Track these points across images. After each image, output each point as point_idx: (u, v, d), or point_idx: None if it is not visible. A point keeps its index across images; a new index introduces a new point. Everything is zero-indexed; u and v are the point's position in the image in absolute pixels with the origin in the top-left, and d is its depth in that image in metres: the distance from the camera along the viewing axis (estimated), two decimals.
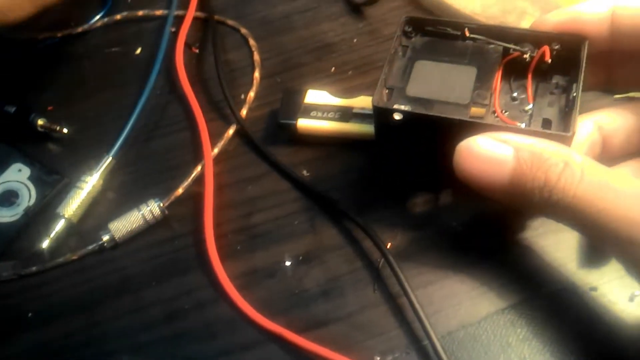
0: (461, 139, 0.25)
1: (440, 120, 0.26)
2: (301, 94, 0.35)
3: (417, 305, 0.27)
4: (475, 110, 0.27)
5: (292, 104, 0.35)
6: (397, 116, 0.26)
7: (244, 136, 0.35)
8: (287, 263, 0.30)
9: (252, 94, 0.37)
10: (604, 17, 0.26)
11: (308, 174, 0.33)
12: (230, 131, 0.35)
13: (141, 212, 0.31)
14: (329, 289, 0.29)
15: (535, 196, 0.23)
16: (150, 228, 0.32)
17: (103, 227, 0.31)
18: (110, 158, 0.34)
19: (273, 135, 0.35)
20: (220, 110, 0.37)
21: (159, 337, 0.28)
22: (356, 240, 0.31)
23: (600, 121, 0.28)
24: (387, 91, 0.28)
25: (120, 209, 0.32)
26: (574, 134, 0.24)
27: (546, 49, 0.27)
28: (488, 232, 0.30)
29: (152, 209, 0.31)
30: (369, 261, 0.30)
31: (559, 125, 0.26)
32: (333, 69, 0.38)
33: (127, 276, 0.31)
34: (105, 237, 0.31)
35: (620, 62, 0.28)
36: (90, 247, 0.31)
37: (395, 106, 0.27)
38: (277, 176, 0.34)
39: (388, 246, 0.29)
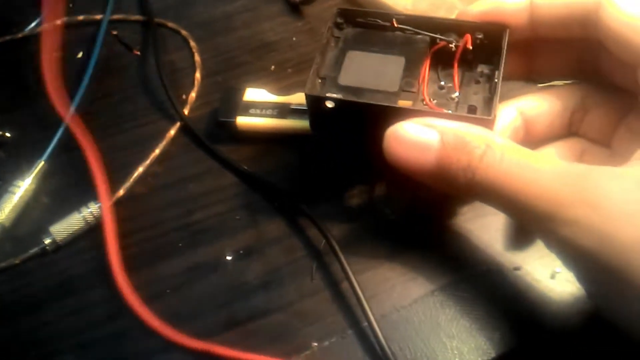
0: (390, 126, 0.26)
1: (370, 107, 0.27)
2: (240, 92, 0.36)
3: (357, 289, 0.28)
4: (403, 98, 0.28)
5: (231, 103, 0.36)
6: (329, 104, 0.28)
7: (186, 135, 0.36)
8: (228, 257, 0.31)
9: (193, 94, 0.38)
10: (523, 6, 0.28)
11: (248, 170, 0.34)
12: (172, 131, 0.36)
13: (82, 215, 0.31)
14: (269, 280, 0.30)
15: (459, 178, 0.24)
16: (91, 229, 0.32)
17: (39, 230, 0.32)
18: (42, 162, 0.34)
19: (214, 133, 0.36)
20: (163, 111, 0.38)
21: (102, 336, 0.29)
22: (295, 233, 0.32)
23: (522, 107, 0.29)
24: (319, 81, 0.29)
25: (58, 213, 0.32)
26: (495, 117, 0.26)
27: (468, 37, 0.29)
28: (419, 220, 0.31)
29: (93, 210, 0.32)
30: (308, 251, 0.31)
31: (484, 111, 0.28)
32: (273, 67, 0.39)
33: (70, 277, 0.31)
34: (47, 240, 0.31)
35: (540, 51, 0.30)
36: (32, 251, 0.31)
37: (328, 94, 0.28)
38: (218, 173, 0.34)
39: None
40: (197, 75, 0.39)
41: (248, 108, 0.35)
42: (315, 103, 0.28)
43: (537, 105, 0.29)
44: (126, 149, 0.36)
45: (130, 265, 0.31)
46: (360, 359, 0.27)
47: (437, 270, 0.29)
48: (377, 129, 0.26)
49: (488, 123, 0.26)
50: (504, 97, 0.29)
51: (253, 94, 0.36)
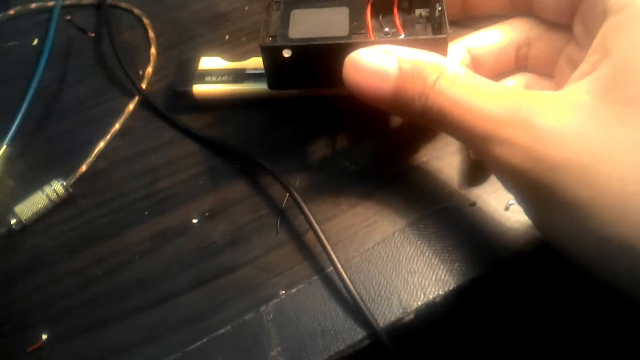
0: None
1: (328, 47, 0.27)
2: (195, 61, 0.36)
3: (321, 236, 0.28)
4: (356, 39, 0.28)
5: (186, 72, 0.36)
6: (286, 53, 0.28)
7: (146, 109, 0.36)
8: (194, 220, 0.31)
9: (150, 69, 0.38)
10: None
11: (208, 136, 0.34)
12: (131, 105, 0.36)
13: (45, 193, 0.32)
14: (235, 238, 0.31)
15: (415, 103, 0.25)
16: (56, 207, 0.32)
17: (5, 212, 0.32)
18: (4, 146, 0.34)
19: (172, 104, 0.36)
20: (122, 87, 0.38)
21: (74, 305, 0.29)
22: (258, 191, 0.32)
23: (469, 44, 0.30)
24: (270, 39, 0.29)
25: (23, 194, 0.32)
26: (447, 36, 0.27)
27: None
28: (377, 168, 0.32)
29: (55, 188, 0.32)
30: (272, 207, 0.31)
31: None
32: (227, 37, 0.40)
33: (38, 254, 0.31)
34: (13, 220, 0.31)
35: None
36: None
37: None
38: (179, 143, 0.35)
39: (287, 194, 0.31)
40: (153, 50, 0.39)
41: (204, 76, 0.35)
42: (271, 55, 0.28)
43: (484, 41, 0.30)
44: (87, 127, 0.36)
45: (95, 238, 0.31)
46: (327, 301, 0.28)
47: (396, 213, 0.30)
48: (336, 72, 0.27)
49: (442, 42, 0.27)
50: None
51: (208, 62, 0.36)
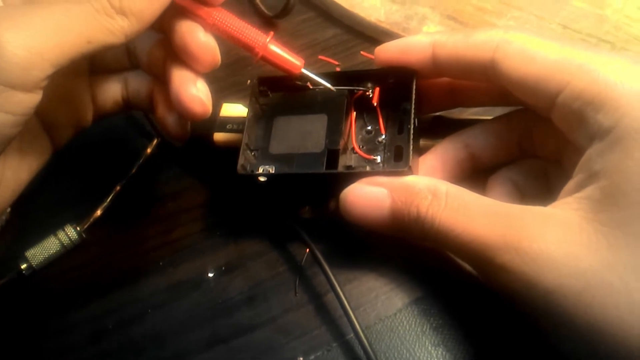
0: (323, 184, 0.29)
1: (300, 176, 0.29)
2: (216, 108, 0.36)
3: (343, 300, 0.27)
4: (330, 156, 0.29)
5: (208, 118, 0.35)
6: (262, 178, 0.29)
7: (164, 152, 0.36)
8: (210, 274, 0.31)
9: None
10: (426, 53, 0.28)
11: (227, 185, 0.34)
12: (149, 148, 0.36)
13: (58, 238, 0.31)
14: (253, 295, 0.30)
15: (413, 229, 0.25)
16: (69, 253, 0.31)
17: (18, 257, 0.31)
18: None
19: (192, 149, 0.35)
20: (140, 129, 0.37)
21: (84, 359, 0.28)
22: (277, 246, 0.31)
23: (467, 140, 0.30)
24: (252, 154, 0.30)
25: (37, 239, 0.31)
26: (410, 167, 0.27)
27: (377, 90, 0.30)
28: None
29: (68, 233, 0.31)
30: (290, 265, 0.31)
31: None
32: (249, 81, 0.39)
33: (49, 301, 0.30)
34: (24, 265, 0.31)
35: (460, 86, 0.30)
36: (8, 276, 0.31)
37: (261, 168, 0.29)
38: (196, 190, 0.34)
39: (307, 251, 0.30)
40: None
41: (225, 123, 0.35)
42: (248, 180, 0.29)
43: (482, 137, 0.30)
44: (103, 169, 0.35)
45: (110, 285, 0.31)
46: None
47: (420, 278, 0.29)
48: (312, 187, 0.29)
49: (405, 173, 0.27)
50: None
51: (229, 109, 0.36)
